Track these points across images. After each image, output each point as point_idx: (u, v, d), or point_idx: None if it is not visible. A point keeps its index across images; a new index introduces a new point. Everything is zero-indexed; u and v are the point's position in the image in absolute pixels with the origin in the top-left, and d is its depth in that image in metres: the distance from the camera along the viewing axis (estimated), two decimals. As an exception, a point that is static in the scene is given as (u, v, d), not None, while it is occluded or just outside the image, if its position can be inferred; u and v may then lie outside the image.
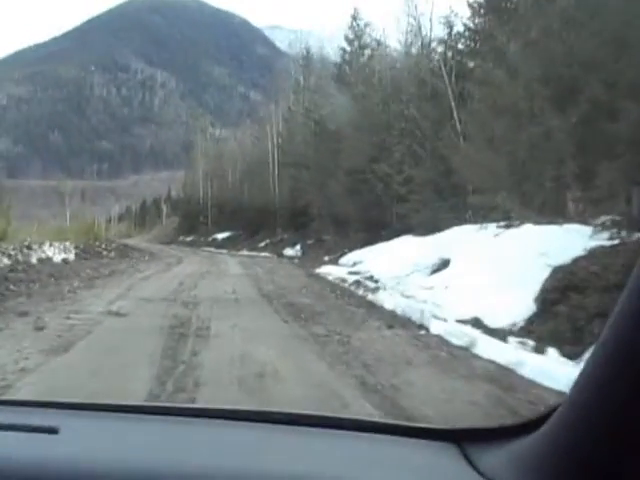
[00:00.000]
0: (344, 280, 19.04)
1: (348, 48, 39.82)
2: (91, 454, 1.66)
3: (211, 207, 71.21)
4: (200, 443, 1.79)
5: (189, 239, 73.29)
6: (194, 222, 75.21)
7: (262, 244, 48.60)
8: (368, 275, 19.04)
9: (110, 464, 1.58)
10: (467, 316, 10.61)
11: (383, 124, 31.87)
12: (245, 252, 45.98)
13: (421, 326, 10.68)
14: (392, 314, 12.10)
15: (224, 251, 50.07)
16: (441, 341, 9.40)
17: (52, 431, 1.72)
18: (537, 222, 14.85)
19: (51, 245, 26.39)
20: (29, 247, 24.11)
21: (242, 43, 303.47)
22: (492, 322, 10.01)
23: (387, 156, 30.28)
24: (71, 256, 27.38)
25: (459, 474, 1.54)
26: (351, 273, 20.50)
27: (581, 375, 1.13)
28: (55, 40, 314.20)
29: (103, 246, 38.40)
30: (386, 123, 31.66)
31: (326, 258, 30.71)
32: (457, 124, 26.88)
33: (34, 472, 1.53)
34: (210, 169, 74.45)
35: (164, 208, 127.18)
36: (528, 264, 11.30)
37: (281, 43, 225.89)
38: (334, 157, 36.19)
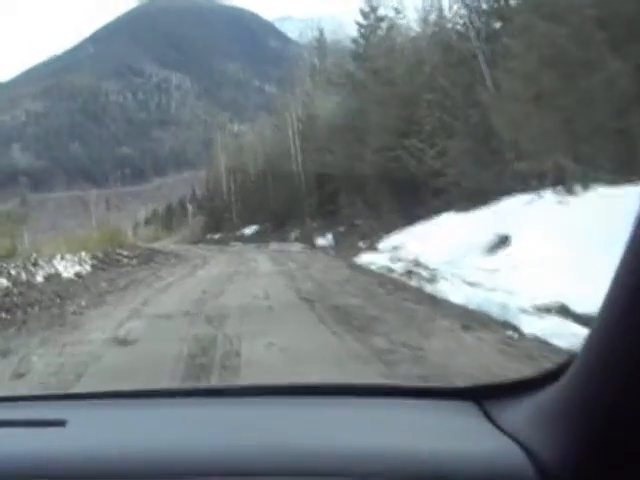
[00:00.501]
0: (390, 270, 16.58)
1: (364, 22, 37.40)
2: (100, 444, 1.63)
3: (236, 202, 69.47)
4: (214, 423, 1.77)
5: (216, 237, 71.21)
6: (220, 219, 73.70)
7: (291, 235, 46.59)
8: (414, 261, 16.93)
9: (120, 452, 1.56)
10: (549, 301, 8.51)
11: (409, 97, 29.73)
12: (275, 246, 43.86)
13: (506, 324, 8.33)
14: (463, 309, 9.78)
15: (252, 246, 48.05)
16: (543, 346, 7.04)
17: (60, 423, 1.69)
18: (610, 182, 12.70)
19: (62, 258, 24.09)
20: (35, 263, 21.90)
21: (254, 37, 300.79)
22: (581, 307, 7.70)
23: (417, 130, 28.21)
24: (86, 268, 25.00)
25: (480, 431, 1.53)
26: (395, 260, 18.40)
27: (596, 323, 1.09)
28: (67, 52, 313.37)
29: (125, 253, 36.32)
30: (412, 95, 29.49)
31: (362, 244, 28.71)
32: (491, 86, 24.78)
33: (44, 466, 1.51)
34: (231, 164, 72.51)
35: (189, 208, 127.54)
36: (614, 231, 9.18)
37: (292, 34, 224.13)
38: (359, 137, 34.18)
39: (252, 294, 13.37)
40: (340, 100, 40.50)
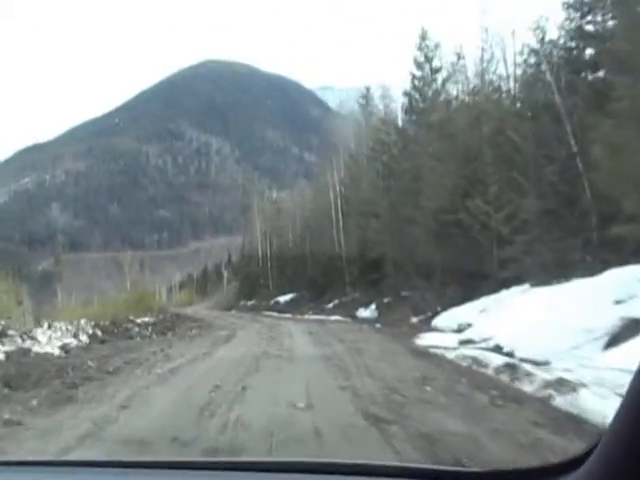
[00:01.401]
0: (478, 361, 11.91)
1: (418, 73, 33.82)
2: None
3: (271, 268, 65.73)
4: None
5: (250, 303, 67.99)
6: (254, 285, 69.92)
7: (330, 305, 42.76)
8: (497, 347, 13.05)
9: None
10: None
11: (472, 152, 26.13)
12: (312, 316, 40.17)
13: None
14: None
15: (288, 315, 44.35)
16: None
17: None
18: None
19: (50, 327, 19.71)
20: (4, 334, 17.38)
21: (294, 105, 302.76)
22: None
23: (481, 190, 24.48)
24: (82, 340, 20.39)
25: None
26: (468, 343, 14.65)
27: (620, 409, 1.10)
28: (109, 114, 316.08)
29: (139, 321, 32.50)
30: (475, 150, 25.89)
31: (414, 320, 25.02)
32: (572, 141, 21.13)
33: None
34: (269, 229, 69.08)
35: (225, 273, 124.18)
36: None
37: (333, 103, 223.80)
38: (410, 199, 30.64)
39: (286, 399, 8.81)
40: (388, 159, 37.18)
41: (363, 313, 34.63)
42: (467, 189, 24.98)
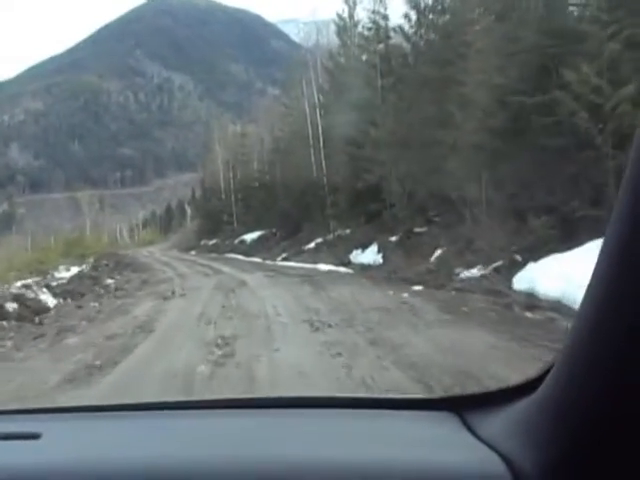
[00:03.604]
0: None
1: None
2: (74, 456, 1.59)
3: (235, 202, 54.61)
4: (189, 435, 1.73)
5: (211, 243, 57.47)
6: (217, 222, 58.83)
7: (311, 246, 31.88)
8: None
9: (94, 466, 1.52)
10: None
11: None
12: (288, 261, 29.60)
13: None
14: None
15: (256, 259, 33.82)
16: None
17: (34, 437, 1.66)
18: None
19: None
20: None
21: (257, 39, 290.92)
22: None
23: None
24: None
25: (460, 442, 1.51)
26: None
27: (572, 331, 1.09)
28: (69, 51, 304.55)
29: (62, 274, 22.95)
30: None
31: (467, 274, 14.71)
32: None
33: (17, 478, 1.49)
34: (231, 156, 57.60)
35: (188, 210, 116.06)
36: None
37: (296, 36, 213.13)
38: (435, 90, 20.42)
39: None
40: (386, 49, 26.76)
41: (360, 257, 24.28)
42: (561, 51, 14.23)
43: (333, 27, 36.68)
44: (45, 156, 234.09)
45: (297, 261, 28.33)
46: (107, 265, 34.06)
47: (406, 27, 25.99)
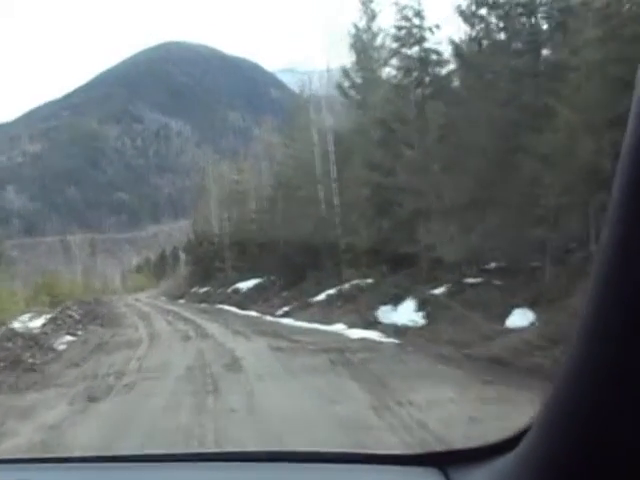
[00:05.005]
0: None
1: None
2: None
3: (230, 246, 48.09)
4: None
5: (202, 291, 50.91)
6: (209, 268, 52.12)
7: (319, 298, 24.78)
8: None
9: None
10: None
11: None
12: (292, 318, 23.01)
13: None
14: None
15: (252, 313, 27.50)
16: None
17: None
18: None
19: None
20: None
21: (255, 87, 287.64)
22: None
23: None
24: None
25: None
26: None
27: (551, 390, 1.05)
28: (67, 96, 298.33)
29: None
30: None
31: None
32: None
33: None
34: (225, 196, 51.51)
35: (182, 257, 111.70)
36: None
37: (294, 85, 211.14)
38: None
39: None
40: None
41: (392, 316, 17.73)
42: None
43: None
44: (41, 199, 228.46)
45: (305, 318, 21.80)
46: (71, 317, 27.68)
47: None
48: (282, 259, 33.31)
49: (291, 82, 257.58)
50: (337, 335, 15.87)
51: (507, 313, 13.81)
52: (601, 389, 0.90)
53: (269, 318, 24.37)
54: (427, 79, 21.49)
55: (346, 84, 29.34)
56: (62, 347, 18.20)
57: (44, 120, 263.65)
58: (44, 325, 23.60)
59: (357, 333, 15.79)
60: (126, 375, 11.06)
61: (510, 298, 14.49)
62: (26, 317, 28.31)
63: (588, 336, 0.93)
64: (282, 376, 10.09)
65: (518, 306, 13.84)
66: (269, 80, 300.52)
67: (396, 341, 13.79)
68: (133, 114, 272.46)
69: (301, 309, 24.81)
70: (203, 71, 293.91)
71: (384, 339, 14.23)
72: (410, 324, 16.39)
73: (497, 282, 16.02)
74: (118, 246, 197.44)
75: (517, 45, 16.54)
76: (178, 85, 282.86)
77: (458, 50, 19.79)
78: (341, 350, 12.10)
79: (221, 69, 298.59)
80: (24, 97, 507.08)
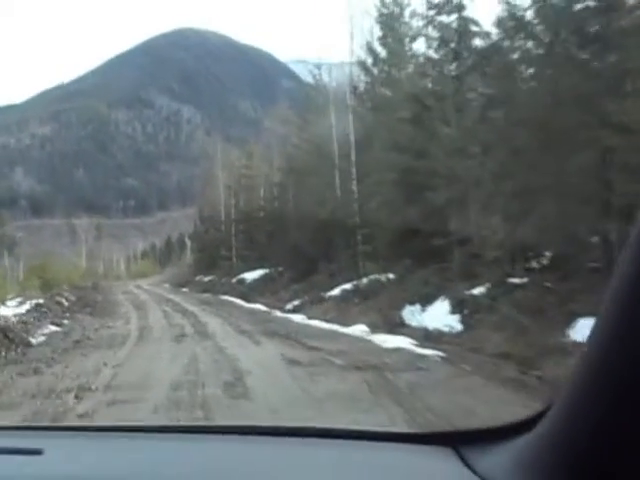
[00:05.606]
0: None
1: None
2: (75, 473, 1.61)
3: (236, 234, 45.92)
4: (189, 460, 1.70)
5: (207, 279, 48.55)
6: (214, 257, 50.10)
7: (333, 293, 22.29)
8: None
9: None
10: None
11: None
12: (303, 314, 20.47)
13: None
14: None
15: (259, 307, 25.00)
16: None
17: (36, 452, 1.65)
18: None
19: None
20: None
21: (267, 77, 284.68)
22: None
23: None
24: None
25: (456, 477, 1.49)
26: None
27: (574, 371, 1.07)
28: (79, 79, 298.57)
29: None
30: None
31: None
32: None
33: None
34: (234, 182, 48.91)
35: (188, 244, 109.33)
36: None
37: (306, 77, 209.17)
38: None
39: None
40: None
41: (421, 318, 15.18)
42: None
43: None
44: (49, 182, 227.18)
45: (318, 316, 19.26)
46: (59, 304, 25.32)
47: None
48: (292, 249, 30.95)
49: (303, 73, 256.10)
50: (363, 342, 13.14)
51: (568, 322, 11.28)
52: (623, 373, 0.92)
53: (278, 313, 21.81)
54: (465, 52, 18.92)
55: (369, 61, 26.88)
56: (39, 340, 15.86)
57: (54, 103, 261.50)
58: (27, 312, 21.10)
59: (387, 340, 12.92)
60: (89, 393, 8.45)
61: (569, 304, 11.97)
62: (14, 303, 25.99)
63: (613, 323, 0.94)
64: (306, 411, 7.26)
65: (581, 315, 11.30)
66: (281, 70, 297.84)
67: (440, 353, 11.00)
68: (144, 99, 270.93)
69: (313, 304, 22.36)
70: (215, 59, 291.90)
71: (424, 350, 11.32)
72: (445, 329, 13.86)
73: (547, 284, 13.48)
74: (124, 231, 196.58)
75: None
76: (190, 72, 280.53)
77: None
78: (377, 368, 9.32)
79: (233, 57, 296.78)
80: (35, 79, 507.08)
